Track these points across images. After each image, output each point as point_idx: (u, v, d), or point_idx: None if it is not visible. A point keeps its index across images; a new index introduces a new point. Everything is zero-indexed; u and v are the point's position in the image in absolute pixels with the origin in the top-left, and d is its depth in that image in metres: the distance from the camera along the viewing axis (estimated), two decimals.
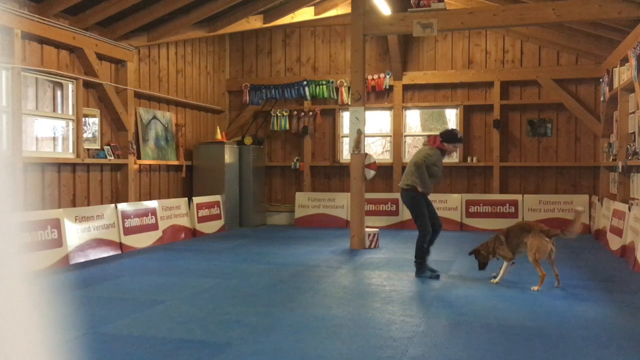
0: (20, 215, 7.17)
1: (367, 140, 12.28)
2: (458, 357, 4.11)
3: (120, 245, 9.14)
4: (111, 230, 9.02)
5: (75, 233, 8.28)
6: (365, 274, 7.44)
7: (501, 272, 6.72)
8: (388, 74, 13.28)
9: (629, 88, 9.57)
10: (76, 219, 8.36)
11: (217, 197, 12.13)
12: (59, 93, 9.28)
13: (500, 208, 12.47)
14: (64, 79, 9.16)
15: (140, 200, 10.62)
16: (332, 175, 13.87)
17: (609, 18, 8.83)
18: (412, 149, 14.35)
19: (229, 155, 12.65)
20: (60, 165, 9.06)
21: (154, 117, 11.49)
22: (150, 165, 11.32)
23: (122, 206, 9.44)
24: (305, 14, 12.63)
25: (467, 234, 11.96)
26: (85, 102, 9.56)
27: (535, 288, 6.28)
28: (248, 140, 13.30)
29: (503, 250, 6.69)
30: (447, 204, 12.72)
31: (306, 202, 13.53)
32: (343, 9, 12.81)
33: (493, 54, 12.99)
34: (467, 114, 13.14)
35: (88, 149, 9.62)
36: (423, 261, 7.31)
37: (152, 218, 10.04)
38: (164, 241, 10.19)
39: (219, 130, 13.06)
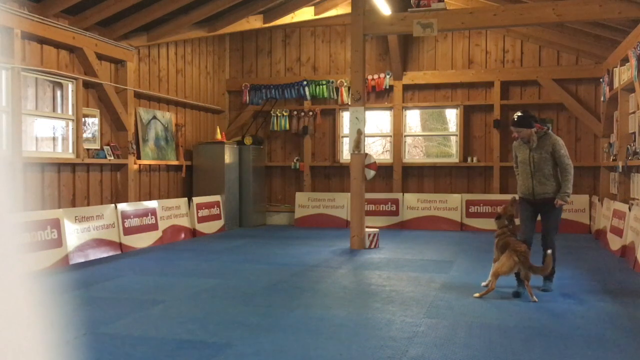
0: (20, 215, 7.17)
1: (367, 140, 12.28)
2: (458, 357, 4.11)
3: (120, 246, 9.14)
4: (111, 230, 9.02)
5: (75, 233, 8.28)
6: (365, 274, 7.44)
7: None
8: (388, 74, 13.28)
9: (629, 88, 9.57)
10: (76, 219, 8.36)
11: (217, 197, 12.13)
12: (58, 93, 9.27)
13: (500, 208, 12.42)
14: (63, 79, 9.15)
15: (140, 200, 10.61)
16: (332, 175, 13.87)
17: (609, 18, 8.83)
18: (412, 149, 14.36)
19: (229, 155, 12.65)
20: (60, 165, 9.05)
21: (154, 117, 11.49)
22: (150, 165, 11.32)
23: (122, 206, 9.44)
24: (305, 14, 12.63)
25: (467, 234, 11.96)
26: (85, 102, 9.56)
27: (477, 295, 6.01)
28: (248, 140, 13.29)
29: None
30: (447, 204, 12.73)
31: (306, 202, 13.53)
32: (343, 9, 12.81)
33: (493, 54, 12.99)
34: (467, 114, 13.14)
35: (88, 149, 9.61)
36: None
37: (152, 218, 10.03)
38: (164, 241, 10.19)
39: (218, 130, 13.05)
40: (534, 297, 5.83)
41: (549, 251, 6.11)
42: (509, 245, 6.02)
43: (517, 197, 6.61)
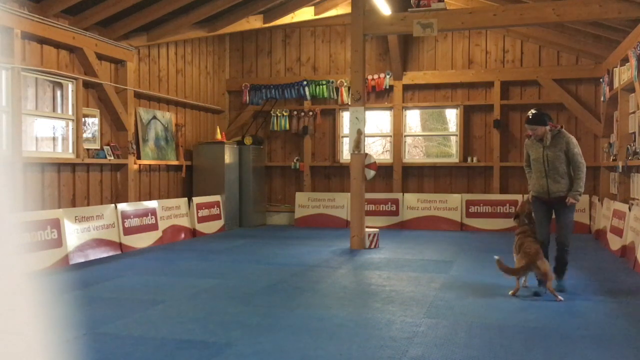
0: (20, 215, 7.18)
1: (367, 140, 12.28)
2: (458, 357, 4.11)
3: (120, 246, 9.14)
4: (111, 230, 9.02)
5: (75, 233, 8.27)
6: (365, 274, 7.44)
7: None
8: (388, 74, 13.28)
9: (629, 88, 9.57)
10: (76, 219, 8.36)
11: (217, 197, 12.13)
12: (58, 93, 9.27)
13: (500, 208, 12.47)
14: (63, 79, 9.15)
15: (140, 200, 10.61)
16: (332, 175, 13.87)
17: (609, 18, 8.83)
18: (412, 149, 14.36)
19: (229, 155, 12.65)
20: (60, 165, 9.05)
21: (154, 117, 11.49)
22: (150, 165, 11.32)
23: (122, 206, 9.44)
24: (305, 14, 12.63)
25: (467, 234, 11.97)
26: (85, 102, 9.56)
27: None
28: (248, 140, 13.30)
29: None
30: (447, 204, 12.73)
31: (306, 202, 13.53)
32: (343, 9, 12.81)
33: (493, 54, 12.99)
34: (467, 114, 13.14)
35: (88, 149, 9.61)
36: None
37: (152, 218, 10.03)
38: (164, 241, 10.19)
39: (218, 130, 13.06)
40: (559, 296, 5.86)
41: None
42: (523, 247, 6.13)
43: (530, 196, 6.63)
